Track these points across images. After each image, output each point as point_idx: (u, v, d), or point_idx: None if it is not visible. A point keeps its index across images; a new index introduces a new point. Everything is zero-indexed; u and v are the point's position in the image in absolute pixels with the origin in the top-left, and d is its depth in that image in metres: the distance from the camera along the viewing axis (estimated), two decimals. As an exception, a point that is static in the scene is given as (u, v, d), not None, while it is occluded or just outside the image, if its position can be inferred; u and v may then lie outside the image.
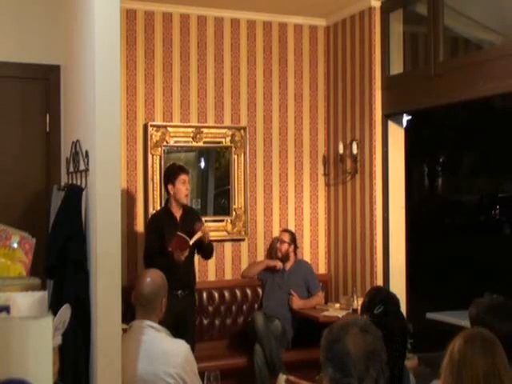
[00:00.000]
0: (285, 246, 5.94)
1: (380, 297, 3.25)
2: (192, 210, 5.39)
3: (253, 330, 5.54)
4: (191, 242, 4.86)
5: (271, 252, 6.15)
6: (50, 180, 4.14)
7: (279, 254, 5.93)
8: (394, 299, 3.27)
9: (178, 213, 5.09)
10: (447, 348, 2.35)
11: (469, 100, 5.10)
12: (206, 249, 5.17)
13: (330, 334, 2.08)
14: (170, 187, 5.11)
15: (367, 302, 3.25)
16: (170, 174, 5.13)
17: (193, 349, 3.35)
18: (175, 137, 5.90)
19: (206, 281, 5.92)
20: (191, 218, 5.09)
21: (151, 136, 5.77)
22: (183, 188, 5.02)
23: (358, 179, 5.99)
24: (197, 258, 5.35)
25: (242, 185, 6.10)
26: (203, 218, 5.48)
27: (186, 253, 4.85)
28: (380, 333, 2.09)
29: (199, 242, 5.03)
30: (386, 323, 3.10)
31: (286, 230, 6.08)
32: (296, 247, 6.05)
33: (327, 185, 6.43)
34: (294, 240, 6.02)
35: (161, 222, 5.04)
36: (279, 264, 5.92)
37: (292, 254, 5.99)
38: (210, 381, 2.86)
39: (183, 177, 5.03)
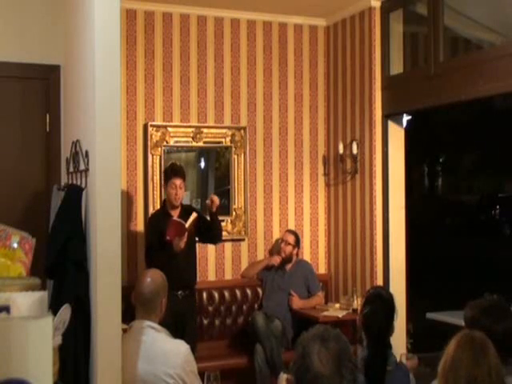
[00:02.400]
0: (289, 248, 5.93)
1: (370, 297, 3.30)
2: (190, 207, 5.39)
3: (253, 329, 5.54)
4: (187, 225, 4.89)
5: (273, 252, 6.15)
6: (49, 180, 4.14)
7: (283, 255, 5.93)
8: (382, 298, 3.30)
9: (175, 212, 5.11)
10: (444, 349, 2.36)
11: (469, 100, 5.10)
12: (212, 225, 5.16)
13: (295, 364, 2.04)
14: (164, 187, 5.23)
15: (362, 303, 3.30)
16: (164, 176, 5.23)
17: (194, 349, 3.35)
18: (175, 137, 5.90)
19: (205, 281, 5.92)
20: (189, 216, 5.09)
21: (151, 136, 5.78)
22: (173, 192, 5.07)
23: (358, 179, 5.99)
24: (198, 257, 5.34)
25: (242, 185, 6.10)
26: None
27: (185, 238, 4.88)
28: (337, 329, 2.07)
29: (202, 223, 5.10)
30: (370, 323, 3.14)
31: (290, 232, 6.07)
32: (298, 248, 6.06)
33: (327, 185, 6.43)
34: (298, 242, 6.02)
35: (159, 222, 5.05)
36: (278, 259, 5.91)
37: (294, 256, 6.00)
38: (209, 381, 2.86)
39: (174, 180, 5.06)
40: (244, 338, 5.74)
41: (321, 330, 2.05)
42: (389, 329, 3.21)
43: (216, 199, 5.14)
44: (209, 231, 5.22)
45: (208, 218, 5.23)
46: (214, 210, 5.13)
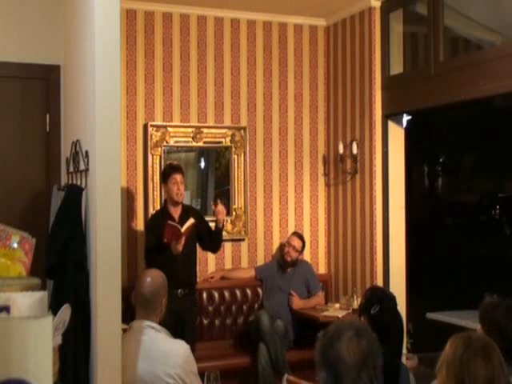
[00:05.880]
0: (295, 255, 5.90)
1: (375, 296, 3.27)
2: (191, 208, 5.39)
3: (257, 328, 5.49)
4: (183, 230, 4.85)
5: (277, 254, 6.14)
6: (49, 180, 4.15)
7: (288, 259, 5.91)
8: (389, 297, 3.28)
9: (176, 212, 5.09)
10: (443, 351, 2.36)
11: (469, 100, 5.10)
12: (214, 236, 5.21)
13: (325, 337, 2.05)
14: (164, 187, 5.21)
15: (364, 303, 3.26)
16: (163, 175, 5.23)
17: (193, 349, 3.35)
18: (175, 137, 5.90)
19: (206, 281, 5.91)
20: (190, 217, 5.07)
21: (151, 136, 5.77)
22: (174, 187, 5.04)
23: (358, 179, 5.99)
24: (198, 257, 5.33)
25: (242, 185, 6.10)
26: (203, 218, 5.49)
27: (182, 241, 4.85)
28: (375, 336, 2.07)
29: (203, 230, 5.12)
30: (382, 322, 3.12)
31: (298, 236, 6.01)
32: (302, 253, 6.05)
33: (327, 185, 6.43)
34: (303, 248, 6.01)
35: (159, 222, 5.02)
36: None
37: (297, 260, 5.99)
38: (209, 381, 2.86)
39: (174, 176, 5.05)
40: (244, 337, 5.73)
41: (359, 324, 2.06)
42: (403, 327, 3.20)
43: (224, 212, 5.18)
44: (209, 241, 5.24)
45: (212, 228, 5.25)
46: (222, 226, 5.16)
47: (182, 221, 4.99)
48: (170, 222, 4.88)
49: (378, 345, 2.04)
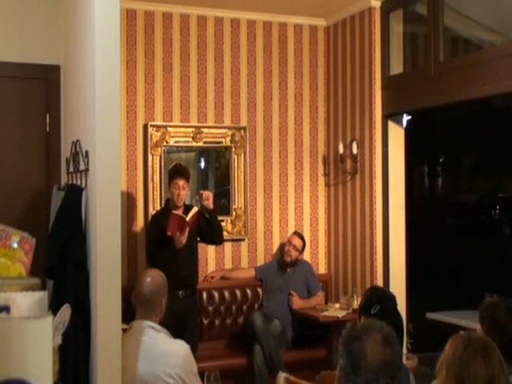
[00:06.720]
0: (296, 254, 5.91)
1: (375, 296, 3.27)
2: (191, 207, 5.38)
3: (251, 329, 5.53)
4: (188, 218, 4.87)
5: (278, 253, 6.13)
6: (49, 180, 4.15)
7: (288, 259, 5.91)
8: (389, 297, 3.28)
9: (179, 211, 5.10)
10: (443, 351, 2.36)
11: (469, 100, 5.10)
12: (211, 224, 5.15)
13: (353, 329, 2.07)
14: (168, 188, 5.21)
15: (364, 303, 3.26)
16: (169, 176, 5.23)
17: (195, 349, 3.34)
18: (175, 137, 5.90)
19: (206, 281, 5.92)
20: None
21: (151, 136, 5.78)
22: (175, 192, 5.06)
23: (358, 179, 5.99)
24: (199, 257, 5.33)
25: (242, 185, 6.10)
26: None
27: (186, 233, 4.87)
28: (400, 350, 2.08)
29: (203, 219, 5.07)
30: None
31: (299, 235, 6.02)
32: (302, 253, 6.04)
33: (327, 185, 6.43)
34: (303, 248, 6.00)
35: (161, 218, 5.04)
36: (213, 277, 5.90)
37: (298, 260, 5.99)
38: (209, 381, 2.86)
39: (176, 181, 5.06)
40: (244, 338, 5.73)
41: (389, 332, 2.07)
42: (403, 327, 3.20)
43: (210, 195, 5.13)
44: (209, 230, 5.22)
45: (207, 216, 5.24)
46: (212, 206, 5.12)
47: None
48: (174, 211, 4.90)
49: (399, 359, 2.06)
